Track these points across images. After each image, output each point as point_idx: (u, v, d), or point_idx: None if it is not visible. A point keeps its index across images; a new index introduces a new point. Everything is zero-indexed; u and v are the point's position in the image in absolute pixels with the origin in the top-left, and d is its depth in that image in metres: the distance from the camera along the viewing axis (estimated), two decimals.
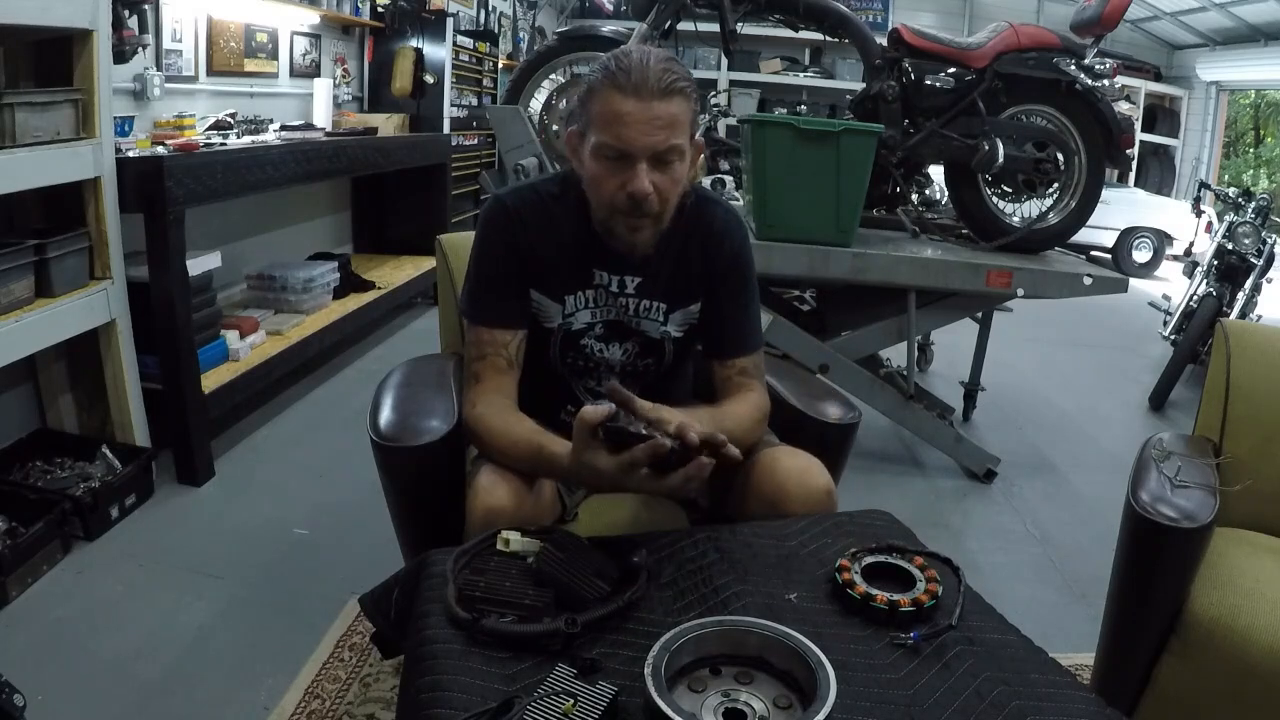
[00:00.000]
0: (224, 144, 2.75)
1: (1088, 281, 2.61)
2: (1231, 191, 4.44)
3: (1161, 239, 7.45)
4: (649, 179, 1.18)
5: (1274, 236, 4.22)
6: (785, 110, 7.27)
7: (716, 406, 1.34)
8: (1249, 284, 4.01)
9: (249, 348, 2.80)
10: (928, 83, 2.78)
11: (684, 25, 3.02)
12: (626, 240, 1.26)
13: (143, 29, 2.66)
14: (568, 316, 1.35)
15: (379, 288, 3.77)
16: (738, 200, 3.21)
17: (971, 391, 3.41)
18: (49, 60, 2.14)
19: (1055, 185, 2.90)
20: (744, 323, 1.39)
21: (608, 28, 3.21)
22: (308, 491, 2.47)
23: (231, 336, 2.75)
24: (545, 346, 1.36)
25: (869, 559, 1.09)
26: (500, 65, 5.98)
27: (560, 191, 1.34)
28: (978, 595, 1.08)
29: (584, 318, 1.35)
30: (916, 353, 3.07)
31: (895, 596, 1.01)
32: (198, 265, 2.52)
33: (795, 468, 1.29)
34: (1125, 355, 4.70)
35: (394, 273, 4.09)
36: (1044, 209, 2.91)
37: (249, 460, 2.66)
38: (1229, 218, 4.23)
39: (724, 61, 7.48)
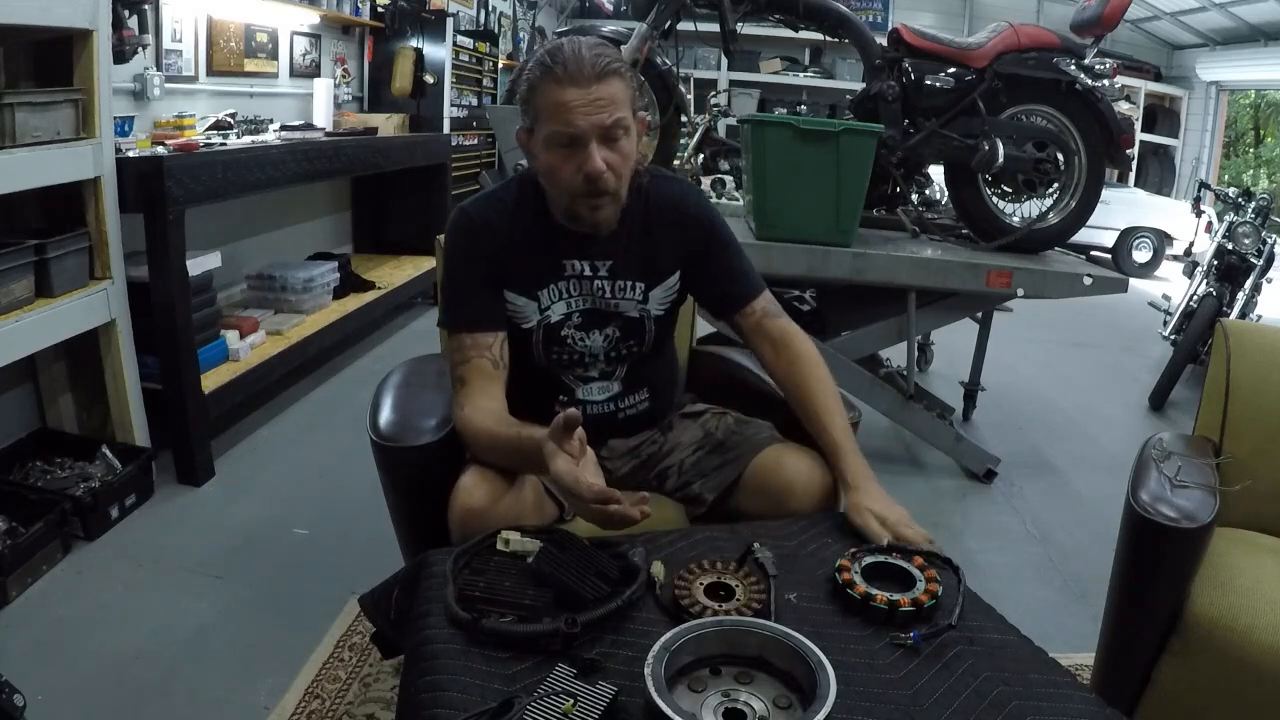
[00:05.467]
0: (224, 144, 2.75)
1: (1088, 281, 2.61)
2: (1231, 191, 4.44)
3: (1161, 239, 7.45)
4: (600, 157, 1.22)
5: (1274, 236, 4.21)
6: (785, 110, 7.28)
7: (811, 401, 1.34)
8: (1249, 284, 4.01)
9: (249, 348, 2.80)
10: (928, 83, 2.78)
11: (684, 25, 3.02)
12: (590, 220, 1.29)
13: (143, 29, 2.66)
14: (544, 311, 1.36)
15: (379, 288, 3.77)
16: (738, 200, 3.21)
17: (971, 391, 3.40)
18: (49, 60, 2.14)
19: (1055, 185, 2.90)
20: (738, 270, 1.43)
21: (608, 28, 3.20)
22: (308, 491, 2.47)
23: (231, 336, 2.75)
24: (527, 346, 1.38)
25: (869, 559, 1.09)
26: (500, 65, 5.98)
27: (519, 193, 1.37)
28: (977, 595, 1.08)
29: (560, 309, 1.37)
30: (916, 353, 3.07)
31: (895, 596, 1.01)
32: (198, 265, 2.52)
33: (801, 465, 1.32)
34: (1125, 355, 4.70)
35: (394, 273, 4.09)
36: (1044, 209, 2.91)
37: (249, 460, 2.66)
38: (1229, 218, 4.23)
39: (724, 61, 7.48)
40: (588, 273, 1.36)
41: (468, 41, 5.27)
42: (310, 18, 3.88)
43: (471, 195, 1.46)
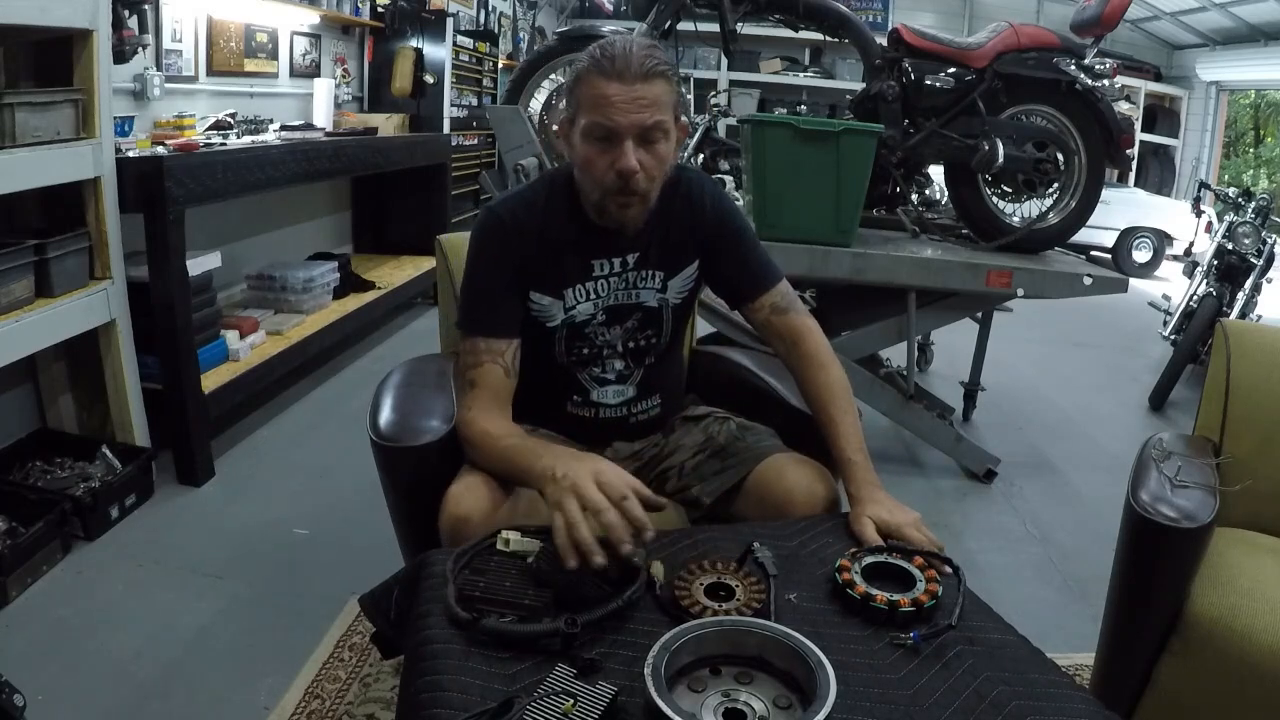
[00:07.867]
0: (224, 144, 2.75)
1: (1088, 281, 2.61)
2: (1231, 191, 4.44)
3: (1161, 239, 7.45)
4: (635, 157, 1.22)
5: (1274, 236, 4.21)
6: (785, 110, 7.27)
7: (821, 410, 1.34)
8: (1249, 284, 4.01)
9: (249, 348, 2.80)
10: (928, 83, 2.78)
11: (684, 25, 3.02)
12: (616, 218, 1.29)
13: (143, 29, 2.66)
14: (569, 311, 1.36)
15: (379, 288, 3.77)
16: (738, 200, 3.21)
17: (971, 391, 3.40)
18: (49, 60, 2.14)
19: (1055, 185, 2.90)
20: (749, 263, 1.43)
21: (607, 28, 3.21)
22: (308, 491, 2.47)
23: (231, 336, 2.75)
24: (550, 344, 1.37)
25: (869, 559, 1.09)
26: (500, 65, 5.98)
27: (548, 192, 1.36)
28: (977, 595, 1.08)
29: (586, 309, 1.37)
30: (916, 353, 3.07)
31: (895, 596, 1.01)
32: (198, 265, 2.52)
33: (803, 477, 1.31)
34: (1125, 355, 4.70)
35: (394, 273, 4.09)
36: (1044, 209, 2.91)
37: (249, 460, 2.66)
38: (1229, 218, 4.23)
39: (724, 61, 7.48)
40: (617, 270, 1.36)
41: (468, 41, 5.27)
42: (310, 18, 3.88)
43: (476, 196, 1.46)
